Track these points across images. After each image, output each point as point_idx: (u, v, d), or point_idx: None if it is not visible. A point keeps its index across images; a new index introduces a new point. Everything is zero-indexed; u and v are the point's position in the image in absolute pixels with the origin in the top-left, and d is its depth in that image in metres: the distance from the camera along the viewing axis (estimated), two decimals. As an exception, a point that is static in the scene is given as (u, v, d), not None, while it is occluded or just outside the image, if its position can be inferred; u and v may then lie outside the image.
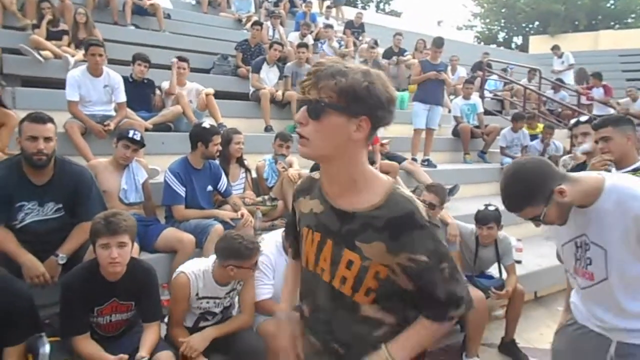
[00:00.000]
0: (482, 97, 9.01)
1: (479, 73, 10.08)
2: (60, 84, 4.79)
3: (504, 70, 11.16)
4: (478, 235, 3.65)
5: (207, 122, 4.00)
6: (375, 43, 9.08)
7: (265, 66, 6.80)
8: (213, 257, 2.70)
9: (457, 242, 3.66)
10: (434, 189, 3.65)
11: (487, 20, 31.72)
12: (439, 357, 3.60)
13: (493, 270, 3.86)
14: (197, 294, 2.65)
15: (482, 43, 26.53)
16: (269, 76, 6.83)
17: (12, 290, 2.21)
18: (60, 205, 2.80)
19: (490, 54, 11.95)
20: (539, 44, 19.06)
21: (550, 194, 1.56)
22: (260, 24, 8.09)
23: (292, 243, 1.55)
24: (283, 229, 2.98)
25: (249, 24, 9.03)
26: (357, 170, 1.22)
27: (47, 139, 2.65)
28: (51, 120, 2.74)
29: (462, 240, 3.71)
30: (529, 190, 1.58)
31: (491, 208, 3.58)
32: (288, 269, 1.67)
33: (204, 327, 2.70)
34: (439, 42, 6.54)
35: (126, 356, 2.29)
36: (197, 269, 2.68)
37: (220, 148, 3.76)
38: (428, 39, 10.67)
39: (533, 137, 7.57)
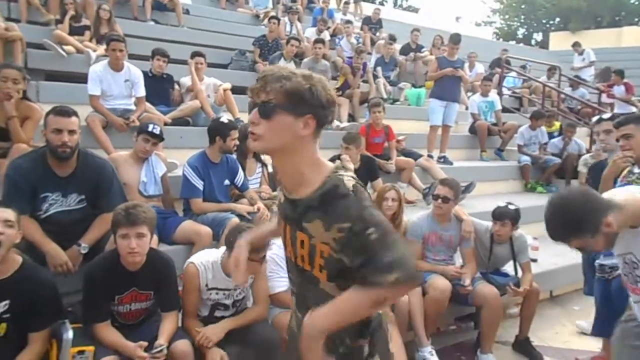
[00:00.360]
0: (500, 94, 8.93)
1: (497, 70, 9.98)
2: (82, 78, 4.90)
3: (523, 67, 11.02)
4: (493, 233, 3.64)
5: (225, 117, 4.05)
6: (392, 39, 9.05)
7: (282, 62, 6.84)
8: (223, 248, 2.75)
9: (471, 239, 3.65)
10: (447, 183, 3.65)
11: (507, 17, 31.29)
12: (453, 353, 3.61)
13: (508, 268, 3.85)
14: (206, 285, 2.70)
15: (501, 39, 26.20)
16: (287, 71, 6.86)
17: (37, 278, 2.29)
18: (83, 197, 2.87)
19: (509, 51, 11.81)
20: (560, 41, 18.78)
21: (597, 226, 1.56)
22: (278, 20, 8.12)
23: None
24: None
25: (266, 20, 9.07)
26: (305, 163, 1.33)
27: (71, 132, 2.72)
28: (75, 113, 2.81)
29: (476, 237, 3.70)
30: (575, 224, 1.58)
31: (512, 207, 3.58)
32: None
33: (219, 318, 2.76)
34: (456, 39, 6.49)
35: (145, 343, 2.35)
36: (206, 260, 2.73)
37: (237, 143, 3.81)
38: (446, 35, 10.59)
39: (550, 134, 7.48)
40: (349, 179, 1.30)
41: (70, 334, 2.27)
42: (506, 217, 3.54)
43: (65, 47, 5.86)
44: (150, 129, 3.53)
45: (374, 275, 1.21)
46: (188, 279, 2.68)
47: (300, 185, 1.34)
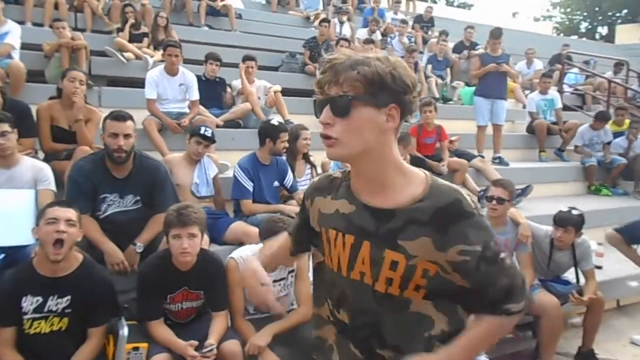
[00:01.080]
0: (560, 91, 8.49)
1: (557, 66, 9.50)
2: (140, 84, 5.10)
3: (586, 62, 10.43)
4: (553, 238, 3.45)
5: (275, 120, 4.09)
6: (445, 34, 8.82)
7: (332, 63, 6.81)
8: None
9: (528, 243, 3.47)
10: (501, 183, 3.48)
11: (568, 10, 29.81)
12: (508, 364, 3.46)
13: (569, 275, 3.64)
14: None
15: (562, 34, 24.97)
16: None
17: (96, 276, 2.39)
18: (139, 198, 2.97)
19: (571, 46, 11.22)
20: (627, 34, 17.66)
21: None
22: (328, 21, 8.12)
23: (295, 240, 1.41)
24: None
25: (316, 22, 9.10)
26: (391, 163, 1.14)
27: (127, 136, 2.82)
28: (131, 118, 2.91)
29: (534, 242, 3.52)
30: None
31: (575, 212, 3.37)
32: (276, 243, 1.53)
33: (264, 314, 2.76)
34: (496, 33, 6.25)
35: (196, 342, 2.40)
36: (245, 253, 2.75)
37: (287, 145, 3.83)
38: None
39: (618, 134, 7.02)
40: (465, 192, 1.14)
41: (125, 331, 2.35)
42: (569, 223, 3.33)
43: (125, 54, 6.14)
44: (202, 131, 3.61)
45: (507, 302, 1.14)
46: (229, 274, 2.70)
47: (388, 191, 1.14)
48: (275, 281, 2.78)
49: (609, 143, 6.77)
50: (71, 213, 2.30)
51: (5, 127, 2.81)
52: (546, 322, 3.24)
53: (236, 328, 2.69)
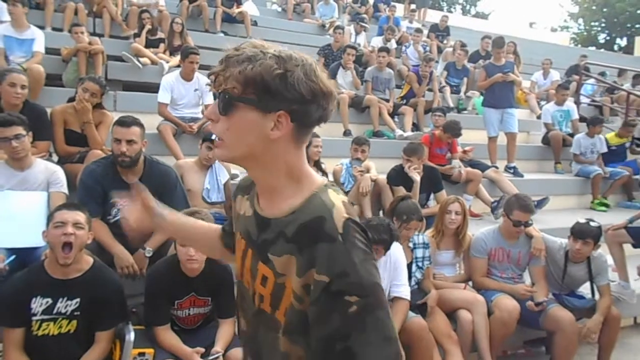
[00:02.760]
0: (577, 102, 8.37)
1: (574, 77, 9.38)
2: (155, 89, 5.13)
3: (602, 74, 10.28)
4: (568, 250, 3.37)
5: None
6: (464, 45, 8.76)
7: (340, 71, 6.82)
8: None
9: (542, 257, 3.40)
10: (524, 206, 3.34)
11: (586, 21, 29.52)
12: (520, 380, 3.38)
13: (584, 290, 3.55)
14: None
15: (579, 45, 24.71)
16: (345, 80, 6.83)
17: (106, 279, 2.39)
18: (149, 203, 2.97)
19: (589, 57, 11.08)
20: (647, 45, 17.38)
21: None
22: (342, 29, 8.13)
23: (225, 233, 1.33)
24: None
25: (331, 29, 9.13)
26: (280, 174, 1.01)
27: (130, 142, 2.82)
28: (136, 123, 2.91)
29: (548, 255, 3.45)
30: None
31: (594, 224, 3.29)
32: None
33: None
34: (499, 42, 6.22)
35: (202, 349, 2.38)
36: None
37: None
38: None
39: (619, 146, 6.86)
40: (339, 211, 0.96)
41: (132, 336, 2.33)
42: (589, 235, 3.25)
43: (141, 59, 6.20)
44: (212, 137, 3.61)
45: None
46: None
47: (277, 199, 1.02)
48: None
49: (605, 154, 6.64)
50: (79, 216, 2.30)
51: (20, 130, 2.83)
52: (561, 338, 3.16)
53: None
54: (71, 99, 3.88)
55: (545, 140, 7.17)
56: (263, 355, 1.07)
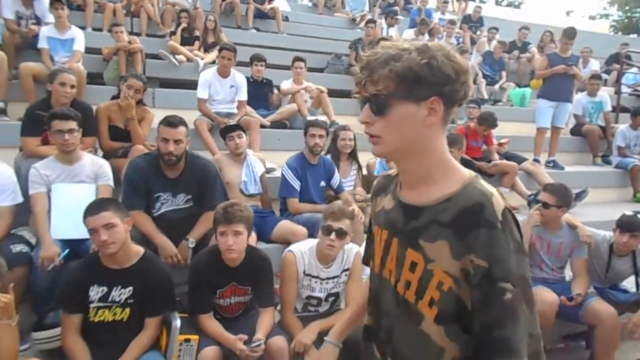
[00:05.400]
0: (618, 92, 8.10)
1: (615, 66, 9.06)
2: (191, 85, 5.26)
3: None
4: (613, 243, 3.29)
5: (312, 117, 4.12)
6: (503, 43, 8.58)
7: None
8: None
9: (586, 248, 3.33)
10: (549, 188, 3.37)
11: (627, 8, 28.35)
12: (559, 374, 3.33)
13: (627, 284, 3.47)
14: (303, 271, 2.76)
15: (620, 33, 23.77)
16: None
17: (156, 268, 2.48)
18: (190, 197, 3.07)
19: (630, 45, 10.67)
20: (693, 31, 16.55)
21: None
22: (374, 22, 8.10)
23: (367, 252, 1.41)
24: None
25: (362, 23, 9.10)
26: (435, 159, 1.07)
27: (177, 142, 2.91)
28: (183, 123, 3.00)
29: (591, 247, 3.37)
30: None
31: None
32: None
33: (311, 315, 2.81)
34: (570, 33, 5.95)
35: (245, 336, 2.45)
36: (304, 247, 2.81)
37: (317, 141, 3.82)
38: (555, 30, 9.86)
39: None
40: (498, 200, 1.01)
41: (178, 322, 2.42)
42: (637, 228, 3.16)
43: (177, 57, 6.35)
44: (225, 125, 3.79)
45: (486, 348, 0.98)
46: (286, 266, 2.75)
47: (425, 187, 1.07)
48: (328, 278, 2.81)
49: None
50: (107, 216, 2.26)
51: (73, 124, 2.97)
52: (602, 333, 3.09)
53: (285, 322, 2.74)
54: (114, 97, 4.02)
55: (575, 131, 6.99)
56: (402, 349, 1.11)
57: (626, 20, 28.12)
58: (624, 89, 8.74)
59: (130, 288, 2.37)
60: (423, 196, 1.07)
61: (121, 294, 2.36)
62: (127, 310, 2.38)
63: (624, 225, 3.21)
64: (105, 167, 3.17)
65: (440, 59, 1.00)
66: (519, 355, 0.95)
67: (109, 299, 2.35)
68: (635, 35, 22.02)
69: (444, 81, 1.01)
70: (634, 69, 9.32)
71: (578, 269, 3.34)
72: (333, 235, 2.65)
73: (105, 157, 3.64)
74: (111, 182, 3.15)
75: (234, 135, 3.73)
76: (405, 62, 0.99)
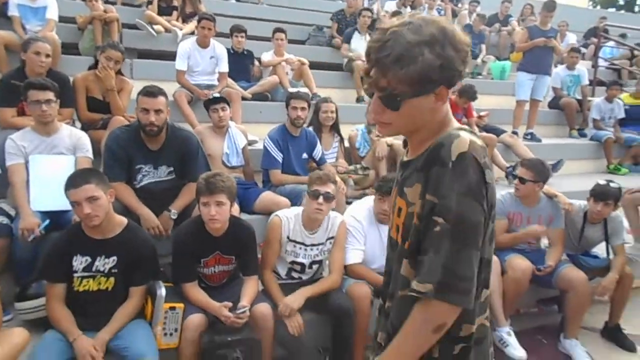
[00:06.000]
0: (595, 66, 8.22)
1: (592, 40, 9.17)
2: (170, 56, 5.16)
3: (622, 35, 10.02)
4: (587, 212, 3.41)
5: (293, 89, 4.10)
6: (483, 17, 8.56)
7: (356, 35, 6.74)
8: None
9: (563, 219, 3.44)
10: (526, 163, 3.45)
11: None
12: (534, 336, 3.48)
13: (598, 250, 3.61)
14: (288, 236, 2.82)
15: (599, 7, 23.93)
16: (361, 45, 6.75)
17: (139, 237, 2.49)
18: (172, 169, 3.06)
19: (608, 19, 10.78)
20: (669, 6, 16.79)
21: None
22: (356, -7, 7.99)
23: None
24: (374, 196, 3.02)
25: (344, -6, 8.96)
26: (434, 125, 1.13)
27: (158, 111, 2.88)
28: (162, 93, 2.96)
29: (567, 217, 3.49)
30: None
31: (614, 185, 3.34)
32: None
33: (295, 282, 2.88)
34: (550, 6, 6.01)
35: (230, 303, 2.50)
36: (290, 213, 2.88)
37: (299, 114, 3.82)
38: (536, 4, 9.88)
39: (636, 107, 6.75)
40: (462, 141, 1.05)
41: (163, 291, 2.44)
42: (610, 196, 3.29)
43: (155, 27, 6.19)
44: (210, 98, 3.73)
45: (417, 274, 1.06)
46: (271, 229, 2.81)
47: (419, 148, 1.16)
48: (313, 245, 2.87)
49: (623, 119, 6.57)
50: (90, 189, 2.23)
51: (50, 95, 2.90)
52: (573, 297, 3.23)
53: (263, 280, 2.80)
54: (91, 67, 3.92)
55: (553, 104, 7.10)
56: (392, 283, 1.20)
57: (605, -5, 28.27)
58: (601, 62, 8.87)
59: (114, 258, 2.37)
60: (416, 152, 1.16)
61: (105, 263, 2.36)
62: (112, 279, 2.38)
63: (598, 194, 3.32)
64: (84, 138, 3.12)
65: (450, 55, 1.03)
66: (427, 280, 1.03)
67: (93, 269, 2.35)
68: (613, 10, 22.21)
69: (454, 75, 1.06)
70: (611, 43, 9.45)
71: (554, 238, 3.45)
72: (321, 199, 2.71)
73: (83, 128, 3.58)
74: (90, 154, 3.11)
75: (218, 108, 3.70)
76: (419, 66, 1.01)
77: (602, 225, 3.43)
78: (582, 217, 3.46)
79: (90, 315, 2.32)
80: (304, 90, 5.25)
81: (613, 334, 3.43)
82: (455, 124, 1.16)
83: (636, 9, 25.98)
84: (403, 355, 1.09)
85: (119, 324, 2.33)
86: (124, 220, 2.47)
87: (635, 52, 9.11)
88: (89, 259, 2.34)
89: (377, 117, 1.12)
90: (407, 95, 1.05)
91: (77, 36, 5.60)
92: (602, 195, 3.31)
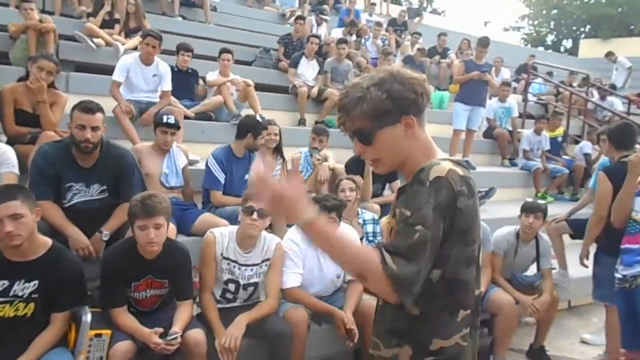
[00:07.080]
0: (525, 100, 8.79)
1: (523, 76, 9.82)
2: (110, 71, 4.99)
3: (549, 74, 10.82)
4: (519, 231, 3.61)
5: (258, 116, 4.09)
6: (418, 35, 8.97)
7: (303, 60, 6.86)
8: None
9: (491, 241, 3.59)
10: None
11: (536, 22, 30.74)
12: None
13: (530, 273, 3.80)
14: (221, 254, 2.78)
15: (529, 45, 25.75)
16: (307, 70, 6.87)
17: (65, 259, 2.35)
18: (105, 187, 2.93)
19: (537, 57, 11.62)
20: (590, 48, 18.35)
21: None
22: (303, 19, 8.16)
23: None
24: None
25: (292, 19, 9.12)
26: (418, 154, 1.28)
27: (95, 128, 2.76)
28: (100, 109, 2.85)
29: (501, 241, 3.64)
30: None
31: (541, 202, 3.57)
32: None
33: (229, 304, 2.85)
34: (484, 42, 6.42)
35: (161, 329, 2.40)
36: (225, 230, 2.87)
37: (264, 142, 3.84)
38: (473, 39, 10.48)
39: (552, 139, 7.30)
40: (441, 168, 1.21)
41: (88, 317, 2.31)
42: (539, 209, 3.54)
43: (95, 40, 5.99)
44: (164, 120, 3.59)
45: (389, 247, 1.20)
46: (205, 247, 2.77)
47: (409, 176, 1.30)
48: (247, 265, 2.83)
49: (548, 151, 7.07)
50: (15, 206, 2.10)
51: None
52: (501, 320, 3.37)
53: (203, 305, 2.73)
54: (21, 78, 3.73)
55: (487, 134, 7.52)
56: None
57: (534, 34, 30.47)
58: (530, 97, 9.50)
59: (36, 282, 2.23)
60: (408, 179, 1.30)
61: (24, 288, 2.21)
62: (32, 305, 2.23)
63: (528, 208, 3.58)
64: (9, 153, 2.94)
65: (397, 88, 1.22)
66: (397, 257, 1.18)
67: (10, 294, 2.19)
68: (542, 49, 23.97)
69: (407, 103, 1.23)
70: (539, 79, 10.16)
71: (483, 262, 3.58)
72: (255, 215, 2.69)
73: (9, 142, 3.37)
74: (16, 170, 2.93)
75: (168, 132, 3.59)
76: (370, 102, 1.22)
77: (534, 244, 3.64)
78: (515, 236, 3.64)
79: (5, 344, 2.16)
80: (249, 111, 5.25)
81: (537, 355, 3.60)
82: (440, 154, 1.31)
83: (562, 49, 28.21)
84: (337, 250, 1.24)
85: (35, 354, 2.18)
86: (48, 241, 2.33)
87: (560, 89, 9.82)
88: (6, 283, 2.18)
89: (362, 155, 1.31)
90: (373, 129, 1.24)
91: (8, 45, 5.32)
92: (532, 208, 3.55)
